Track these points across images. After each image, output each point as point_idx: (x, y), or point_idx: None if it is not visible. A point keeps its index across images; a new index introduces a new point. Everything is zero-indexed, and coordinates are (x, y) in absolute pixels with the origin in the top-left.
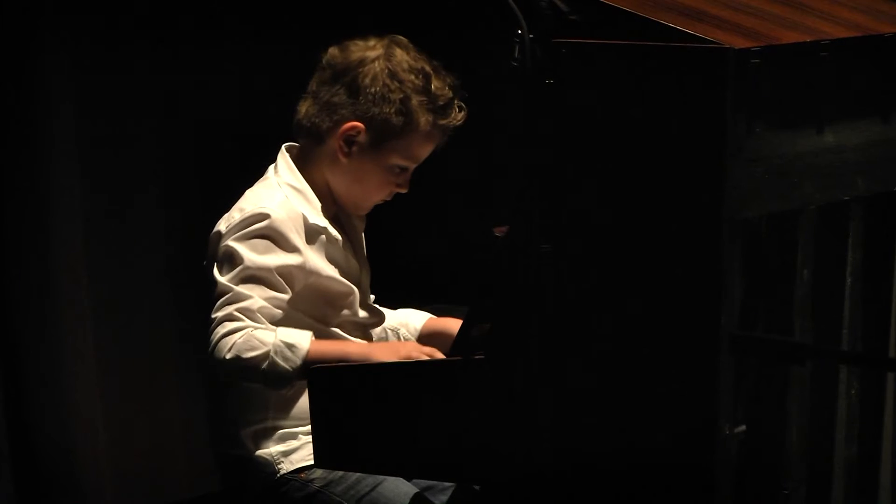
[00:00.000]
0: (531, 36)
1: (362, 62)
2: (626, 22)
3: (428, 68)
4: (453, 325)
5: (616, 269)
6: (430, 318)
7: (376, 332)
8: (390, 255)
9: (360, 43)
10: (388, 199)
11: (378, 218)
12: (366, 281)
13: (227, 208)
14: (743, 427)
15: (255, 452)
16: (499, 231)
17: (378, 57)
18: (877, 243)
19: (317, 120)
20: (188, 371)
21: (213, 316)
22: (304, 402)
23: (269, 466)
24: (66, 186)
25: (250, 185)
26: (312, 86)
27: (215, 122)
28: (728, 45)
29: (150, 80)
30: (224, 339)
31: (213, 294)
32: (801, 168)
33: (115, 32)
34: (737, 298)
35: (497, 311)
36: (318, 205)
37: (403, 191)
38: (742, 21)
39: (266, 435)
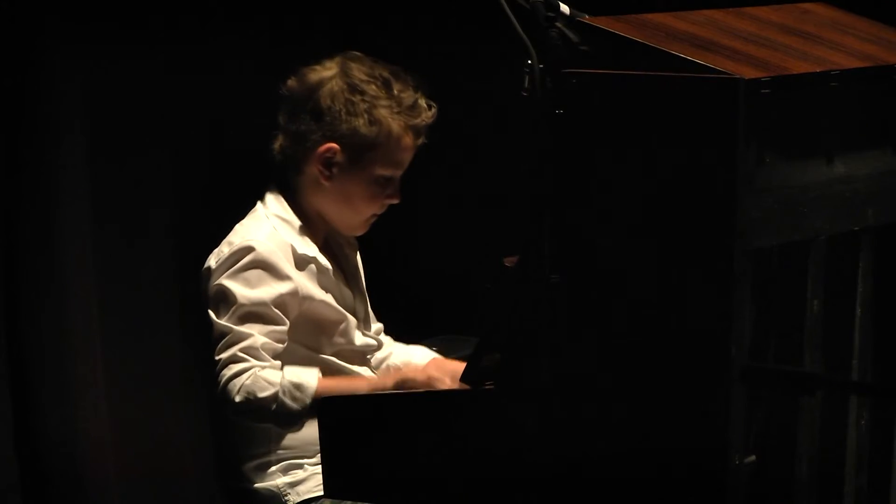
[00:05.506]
0: (541, 66)
1: (320, 84)
2: (636, 52)
3: (386, 74)
4: (455, 366)
5: (626, 299)
6: (434, 357)
7: (380, 368)
8: (399, 287)
9: (316, 67)
10: (382, 211)
11: (386, 249)
12: (361, 309)
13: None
14: (753, 457)
15: (261, 485)
16: (509, 261)
17: (334, 76)
18: (887, 273)
19: (290, 152)
20: (193, 373)
21: (218, 357)
22: (305, 433)
23: (276, 499)
24: (75, 191)
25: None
26: (280, 121)
27: (228, 128)
28: (738, 76)
29: (161, 87)
30: (232, 382)
31: (212, 334)
32: (811, 198)
33: (125, 36)
34: (747, 329)
35: (507, 341)
36: (307, 235)
37: (395, 201)
38: (752, 52)
39: (270, 467)
